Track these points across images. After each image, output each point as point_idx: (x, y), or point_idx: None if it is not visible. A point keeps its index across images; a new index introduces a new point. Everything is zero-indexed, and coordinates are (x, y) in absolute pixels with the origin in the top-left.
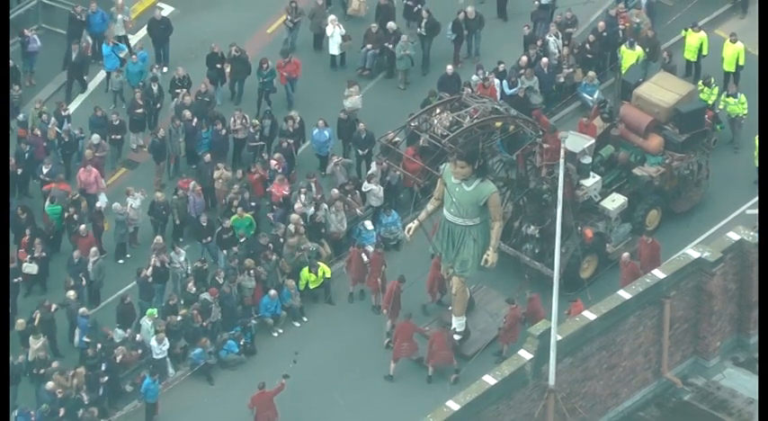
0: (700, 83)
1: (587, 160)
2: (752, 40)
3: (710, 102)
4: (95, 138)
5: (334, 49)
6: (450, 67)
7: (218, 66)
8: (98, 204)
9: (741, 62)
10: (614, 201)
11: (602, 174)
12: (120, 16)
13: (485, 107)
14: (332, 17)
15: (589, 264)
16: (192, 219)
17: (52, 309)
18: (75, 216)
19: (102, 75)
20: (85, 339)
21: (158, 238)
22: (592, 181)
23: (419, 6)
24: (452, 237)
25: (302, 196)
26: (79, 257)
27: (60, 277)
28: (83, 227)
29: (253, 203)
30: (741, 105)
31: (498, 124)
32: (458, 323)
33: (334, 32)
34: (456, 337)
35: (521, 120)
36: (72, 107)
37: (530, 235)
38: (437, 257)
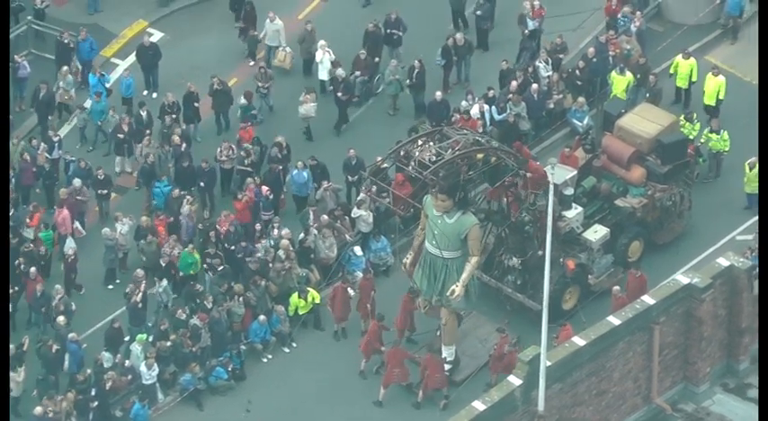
0: (681, 117)
1: (569, 191)
2: (742, 66)
3: (692, 137)
4: (77, 181)
5: (323, 74)
6: (438, 94)
7: (196, 104)
8: (66, 250)
9: (722, 96)
10: (596, 233)
11: (585, 206)
12: (61, 83)
13: (466, 139)
14: (321, 42)
15: (571, 295)
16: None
17: (53, 350)
18: (23, 266)
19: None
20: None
21: (139, 271)
22: (574, 212)
23: (399, 34)
24: (434, 269)
25: (275, 231)
26: (42, 291)
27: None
28: (33, 269)
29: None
30: (724, 142)
31: (480, 156)
32: (448, 352)
33: (324, 58)
34: (446, 366)
35: (502, 152)
36: (63, 132)
37: (512, 266)
38: (407, 295)
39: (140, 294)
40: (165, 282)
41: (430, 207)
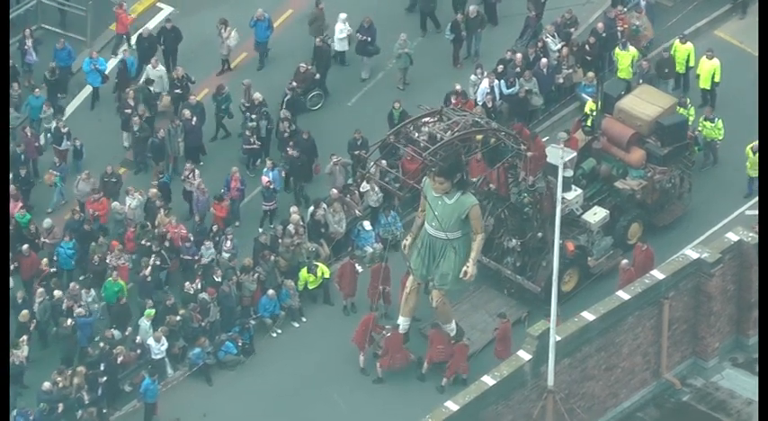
0: (674, 104)
1: (568, 173)
2: (752, 41)
3: (688, 123)
4: (47, 222)
5: (340, 46)
6: (459, 87)
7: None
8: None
9: (717, 79)
10: (596, 215)
11: (584, 188)
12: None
13: (465, 120)
14: (342, 15)
15: (570, 277)
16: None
17: (68, 324)
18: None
19: (82, 94)
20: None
21: (73, 285)
22: (573, 194)
23: (369, 39)
24: (433, 250)
25: (228, 242)
26: (23, 298)
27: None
28: (25, 246)
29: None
30: (718, 131)
31: (479, 137)
32: (449, 328)
33: (343, 29)
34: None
35: (501, 133)
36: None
37: (511, 248)
38: (407, 274)
39: (149, 268)
40: (93, 292)
41: (429, 188)
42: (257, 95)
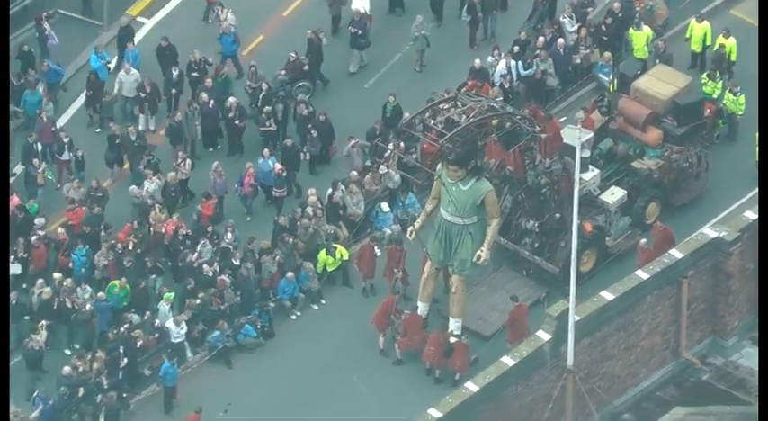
0: (704, 76)
1: (586, 154)
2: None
3: (714, 95)
4: (40, 221)
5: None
6: (477, 61)
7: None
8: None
9: (733, 58)
10: (613, 195)
11: (601, 168)
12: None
13: (480, 105)
14: None
15: (588, 257)
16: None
17: (87, 308)
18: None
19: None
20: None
21: (69, 281)
22: (591, 174)
23: (360, 32)
24: (449, 236)
25: (228, 234)
26: (16, 299)
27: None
28: (35, 237)
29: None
30: (739, 105)
31: (495, 122)
32: (455, 325)
33: (364, 8)
34: (453, 340)
35: (517, 117)
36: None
37: (529, 229)
38: (389, 298)
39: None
40: (88, 288)
41: (444, 174)
42: (232, 99)
